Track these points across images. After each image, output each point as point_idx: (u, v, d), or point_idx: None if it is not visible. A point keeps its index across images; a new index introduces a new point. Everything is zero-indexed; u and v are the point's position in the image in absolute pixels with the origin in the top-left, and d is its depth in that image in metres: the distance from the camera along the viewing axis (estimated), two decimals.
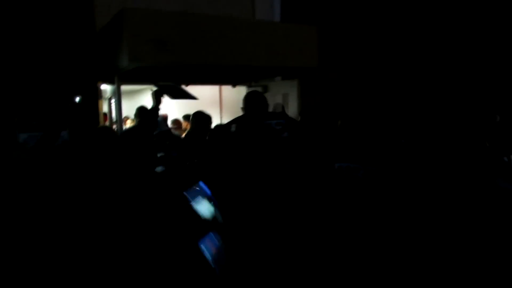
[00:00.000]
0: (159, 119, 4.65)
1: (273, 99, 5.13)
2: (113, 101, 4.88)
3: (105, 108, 4.88)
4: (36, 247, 1.77)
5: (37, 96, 4.06)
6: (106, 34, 4.13)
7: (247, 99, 3.09)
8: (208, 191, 2.28)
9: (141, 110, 4.79)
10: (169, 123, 6.52)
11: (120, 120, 4.35)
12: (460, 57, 5.34)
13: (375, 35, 5.73)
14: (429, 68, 5.51)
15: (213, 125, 4.42)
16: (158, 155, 3.16)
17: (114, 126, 5.04)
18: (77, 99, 3.45)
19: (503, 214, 1.93)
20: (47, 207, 1.90)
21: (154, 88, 3.13)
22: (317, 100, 5.13)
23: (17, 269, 1.70)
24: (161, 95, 3.09)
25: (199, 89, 6.42)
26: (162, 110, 7.37)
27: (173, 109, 6.77)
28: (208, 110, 5.30)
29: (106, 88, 4.94)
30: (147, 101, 9.27)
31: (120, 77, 4.07)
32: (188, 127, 6.02)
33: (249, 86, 5.62)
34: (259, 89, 5.37)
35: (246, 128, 2.92)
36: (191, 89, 5.72)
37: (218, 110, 6.64)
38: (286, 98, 4.88)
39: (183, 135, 5.41)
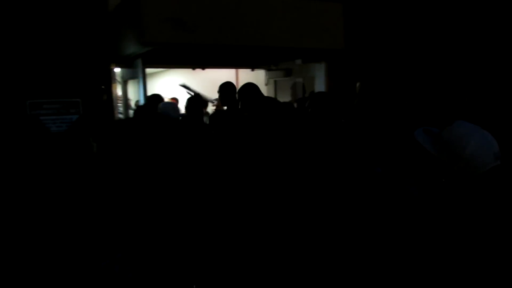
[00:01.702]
0: (169, 106, 4.45)
1: (296, 83, 4.88)
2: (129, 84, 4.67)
3: (119, 92, 4.68)
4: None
5: (49, 79, 3.86)
6: (120, 13, 3.90)
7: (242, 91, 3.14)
8: None
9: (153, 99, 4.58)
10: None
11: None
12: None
13: (408, 15, 5.39)
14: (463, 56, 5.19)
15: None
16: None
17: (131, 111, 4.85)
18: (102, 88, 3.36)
19: None
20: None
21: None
22: (342, 85, 4.85)
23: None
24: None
25: (215, 72, 6.20)
26: (173, 95, 7.18)
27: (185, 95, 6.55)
28: None
29: (118, 71, 4.73)
30: (160, 85, 9.08)
31: (144, 60, 3.81)
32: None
33: (268, 69, 5.36)
34: (281, 72, 5.11)
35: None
36: (208, 72, 5.51)
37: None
38: (310, 82, 4.61)
39: None
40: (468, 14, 5.06)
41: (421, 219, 1.60)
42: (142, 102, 4.10)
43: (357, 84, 2.62)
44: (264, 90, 5.47)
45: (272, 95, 5.33)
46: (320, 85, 4.37)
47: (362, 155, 2.34)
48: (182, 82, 3.27)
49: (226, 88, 3.57)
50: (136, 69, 3.99)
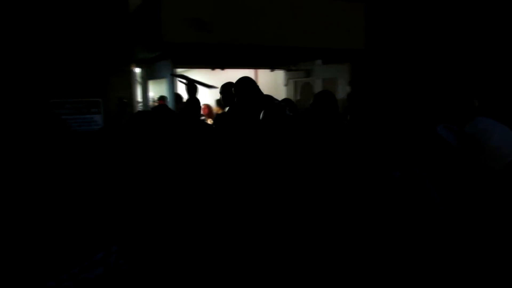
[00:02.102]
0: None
1: (315, 84, 4.81)
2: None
3: (139, 91, 4.71)
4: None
5: (70, 78, 3.93)
6: (141, 14, 3.92)
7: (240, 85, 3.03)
8: None
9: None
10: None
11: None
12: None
13: (429, 15, 5.27)
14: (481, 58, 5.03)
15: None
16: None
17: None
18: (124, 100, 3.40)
19: None
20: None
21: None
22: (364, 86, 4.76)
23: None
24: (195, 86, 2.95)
25: (235, 72, 6.19)
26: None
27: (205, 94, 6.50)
28: None
29: (138, 71, 4.77)
30: (179, 85, 9.14)
31: (174, 61, 3.75)
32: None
33: (288, 70, 5.31)
34: (301, 73, 5.05)
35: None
36: (227, 72, 5.49)
37: None
38: (332, 83, 4.53)
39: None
40: (486, 19, 4.92)
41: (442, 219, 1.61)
42: (170, 103, 4.08)
43: (347, 87, 2.57)
44: (283, 91, 5.42)
45: (291, 96, 5.27)
46: (342, 86, 4.30)
47: (375, 158, 2.25)
48: (173, 72, 3.06)
49: (228, 88, 3.45)
50: (162, 70, 3.98)
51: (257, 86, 3.14)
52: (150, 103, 5.11)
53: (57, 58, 3.83)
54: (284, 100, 3.64)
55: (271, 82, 5.91)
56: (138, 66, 4.41)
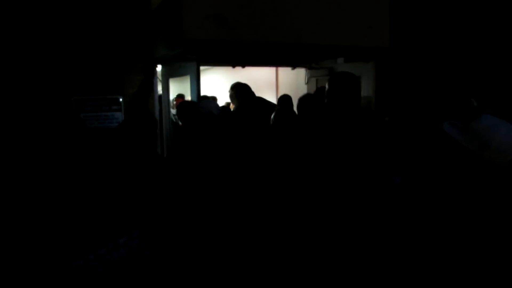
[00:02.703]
0: (211, 104, 4.44)
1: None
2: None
3: (159, 90, 4.72)
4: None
5: (92, 76, 3.96)
6: (163, 11, 3.92)
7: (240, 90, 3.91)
8: None
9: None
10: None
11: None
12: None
13: (458, 12, 5.10)
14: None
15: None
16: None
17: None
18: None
19: None
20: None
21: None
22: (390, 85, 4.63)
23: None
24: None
25: (255, 70, 6.15)
26: (212, 92, 7.17)
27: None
28: (264, 94, 5.01)
29: (159, 68, 4.78)
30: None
31: (199, 58, 3.78)
32: None
33: (309, 68, 5.23)
34: (323, 71, 4.97)
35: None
36: (248, 70, 5.46)
37: (274, 94, 6.33)
38: None
39: None
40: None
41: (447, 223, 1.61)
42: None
43: (326, 84, 2.50)
44: (304, 89, 5.35)
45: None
46: (366, 86, 4.19)
47: (374, 161, 2.10)
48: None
49: (231, 91, 4.05)
50: (184, 68, 3.98)
51: (251, 90, 3.92)
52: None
53: (78, 56, 3.87)
54: (281, 97, 4.07)
55: (292, 80, 5.85)
56: (159, 63, 4.41)
